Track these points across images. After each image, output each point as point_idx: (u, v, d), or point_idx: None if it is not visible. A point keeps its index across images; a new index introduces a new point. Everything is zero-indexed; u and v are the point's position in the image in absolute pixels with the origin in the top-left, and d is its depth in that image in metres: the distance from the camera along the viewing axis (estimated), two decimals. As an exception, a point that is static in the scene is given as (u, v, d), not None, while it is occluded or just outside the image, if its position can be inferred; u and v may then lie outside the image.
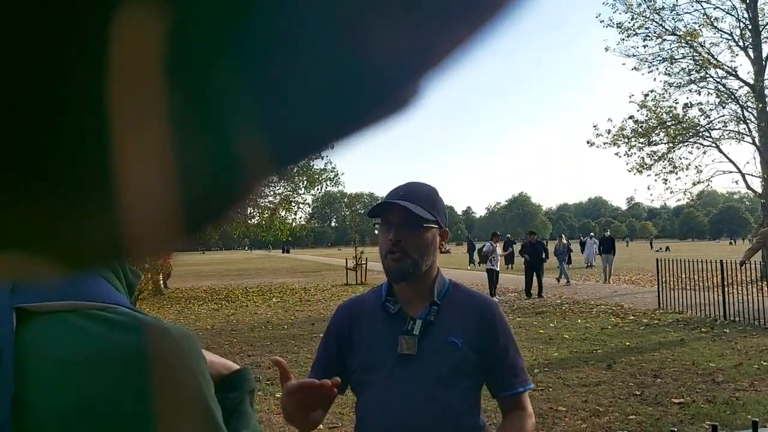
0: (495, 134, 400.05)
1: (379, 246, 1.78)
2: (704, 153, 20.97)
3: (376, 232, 1.81)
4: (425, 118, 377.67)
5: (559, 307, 14.15)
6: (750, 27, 19.07)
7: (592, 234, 33.23)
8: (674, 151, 20.84)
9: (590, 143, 21.79)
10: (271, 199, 23.70)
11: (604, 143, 21.52)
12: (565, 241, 22.93)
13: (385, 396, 1.72)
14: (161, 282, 21.50)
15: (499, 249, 16.66)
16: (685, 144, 20.70)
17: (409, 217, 1.69)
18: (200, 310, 16.38)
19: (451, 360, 1.71)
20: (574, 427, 5.53)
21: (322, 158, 19.06)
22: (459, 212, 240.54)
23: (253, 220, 24.67)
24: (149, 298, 19.80)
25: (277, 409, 6.31)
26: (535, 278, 16.67)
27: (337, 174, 23.47)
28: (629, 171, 21.46)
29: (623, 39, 20.07)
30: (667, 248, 53.72)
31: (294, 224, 24.25)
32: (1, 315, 0.64)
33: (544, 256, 17.26)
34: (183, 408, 0.66)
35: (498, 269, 16.39)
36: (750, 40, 19.16)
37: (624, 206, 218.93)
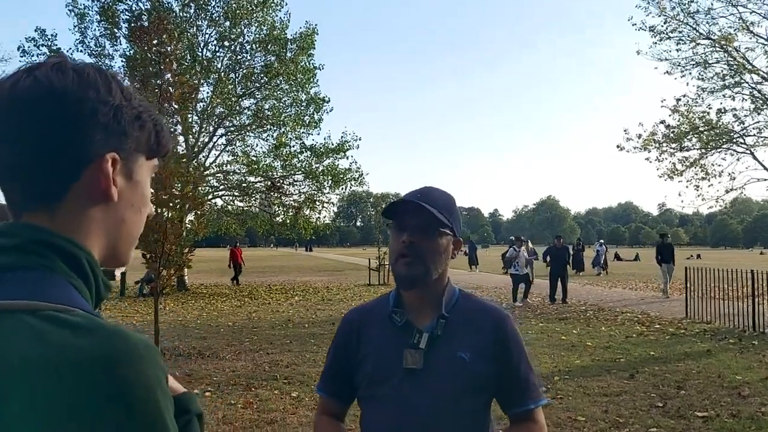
0: (525, 135, 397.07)
1: (390, 249, 1.72)
2: (738, 160, 20.47)
3: (389, 233, 1.75)
4: (451, 118, 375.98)
5: (583, 314, 13.95)
6: (788, 32, 18.56)
7: (602, 241, 32.87)
8: (707, 158, 20.36)
9: (620, 147, 21.40)
10: (295, 197, 23.80)
11: (635, 148, 21.13)
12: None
13: (391, 411, 1.66)
14: (185, 277, 21.75)
15: (525, 253, 16.43)
16: (718, 150, 20.23)
17: (426, 219, 1.63)
18: (223, 306, 16.51)
19: (458, 376, 1.64)
20: (592, 438, 5.42)
21: (347, 158, 19.15)
22: (486, 214, 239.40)
23: (278, 218, 24.82)
24: (173, 293, 20.08)
25: (292, 409, 6.30)
26: (559, 283, 16.44)
27: (362, 174, 23.47)
28: (660, 177, 21.05)
29: (655, 42, 19.70)
30: (698, 256, 52.64)
31: (318, 223, 24.29)
32: None
33: (569, 260, 17.02)
34: (136, 416, 0.63)
35: (522, 273, 16.07)
36: (787, 45, 18.66)
37: (655, 212, 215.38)
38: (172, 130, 10.21)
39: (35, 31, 20.45)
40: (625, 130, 21.28)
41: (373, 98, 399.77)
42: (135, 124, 0.79)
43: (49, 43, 20.49)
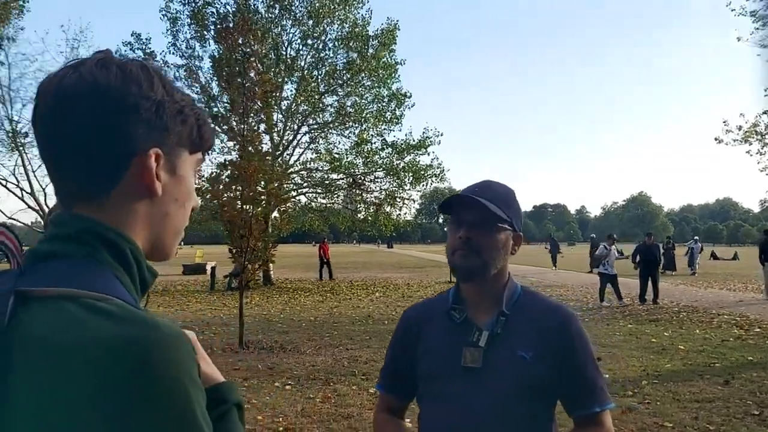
0: (615, 129, 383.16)
1: (447, 243, 1.68)
2: None
3: (446, 229, 1.71)
4: (537, 113, 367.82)
5: (676, 315, 13.29)
6: None
7: (696, 238, 30.84)
8: (814, 150, 18.94)
9: (719, 140, 20.24)
10: (376, 194, 23.96)
11: (734, 140, 19.94)
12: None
13: (449, 409, 1.61)
14: (271, 272, 22.37)
15: (615, 252, 15.72)
16: (828, 142, 18.77)
17: (483, 214, 1.58)
18: (305, 301, 16.86)
19: (518, 375, 1.57)
20: (681, 447, 5.14)
21: (428, 154, 19.09)
22: (572, 211, 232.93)
23: (359, 215, 25.10)
24: (259, 287, 20.70)
25: (369, 404, 6.33)
26: (650, 283, 15.70)
27: (443, 170, 23.32)
28: (762, 170, 19.76)
29: (757, 28, 18.47)
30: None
31: (399, 220, 24.36)
32: (2, 297, 0.68)
33: (659, 259, 16.18)
34: (163, 405, 0.64)
35: (612, 273, 15.40)
36: None
37: (756, 208, 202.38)
38: (255, 128, 10.49)
39: (131, 35, 21.60)
40: (724, 122, 20.12)
41: (456, 93, 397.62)
42: (177, 118, 0.80)
43: (144, 47, 21.58)
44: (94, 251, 0.74)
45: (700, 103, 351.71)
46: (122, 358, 0.63)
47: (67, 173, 0.76)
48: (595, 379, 1.65)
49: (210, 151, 0.90)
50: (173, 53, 22.07)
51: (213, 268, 22.53)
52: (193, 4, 21.43)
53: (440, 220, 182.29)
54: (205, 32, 21.14)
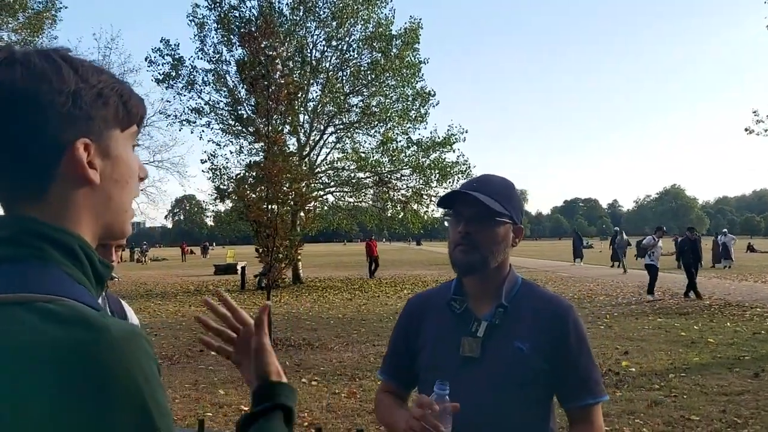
0: (645, 122, 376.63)
1: (448, 238, 1.72)
2: None
3: (446, 224, 1.75)
4: (566, 108, 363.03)
5: (707, 309, 13.08)
6: None
7: (725, 230, 29.96)
8: None
9: (749, 131, 19.84)
10: (403, 192, 23.99)
11: (766, 130, 19.51)
12: (625, 237, 26.86)
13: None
14: (300, 271, 22.58)
15: (661, 244, 15.34)
16: None
17: (481, 209, 1.61)
18: (334, 299, 17.00)
19: (515, 366, 1.62)
20: (706, 439, 5.10)
21: (454, 151, 19.01)
22: (604, 205, 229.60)
23: (387, 213, 25.17)
24: (287, 286, 20.91)
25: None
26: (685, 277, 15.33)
27: (469, 167, 23.24)
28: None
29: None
30: None
31: (426, 217, 24.36)
32: None
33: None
34: (115, 404, 0.65)
35: (657, 265, 15.06)
36: None
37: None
38: (279, 129, 10.62)
39: (160, 41, 21.97)
40: (754, 112, 19.69)
41: (482, 90, 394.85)
42: (98, 102, 0.77)
43: (173, 53, 21.97)
44: (39, 251, 0.73)
45: (735, 93, 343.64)
46: (72, 360, 0.64)
47: (1, 177, 0.75)
48: (590, 371, 1.68)
49: (143, 120, 0.87)
50: (201, 58, 22.39)
51: (243, 268, 22.83)
52: (219, 9, 21.71)
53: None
54: (232, 36, 21.40)
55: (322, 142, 24.29)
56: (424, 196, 23.66)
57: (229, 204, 14.86)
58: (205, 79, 22.29)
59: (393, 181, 23.76)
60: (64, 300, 0.69)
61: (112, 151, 0.80)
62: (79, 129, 0.75)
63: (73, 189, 0.77)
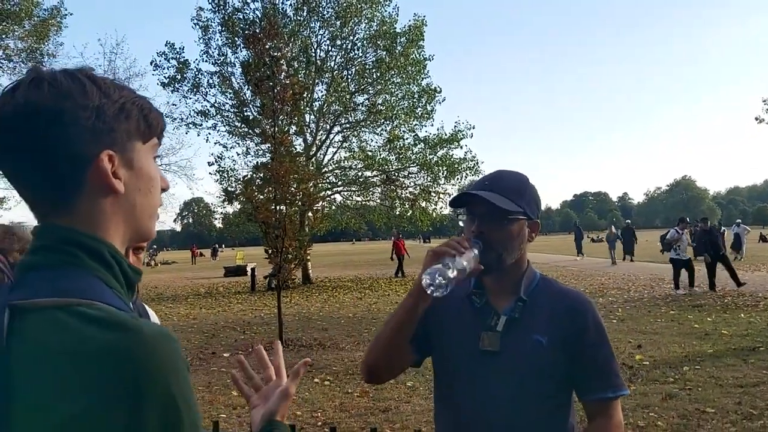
0: (653, 114, 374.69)
1: (463, 237, 1.69)
2: None
3: (461, 223, 1.74)
4: (573, 101, 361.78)
5: (720, 300, 12.99)
6: None
7: (739, 221, 29.61)
8: None
9: (759, 120, 19.71)
10: (411, 189, 23.98)
11: (776, 119, 19.36)
12: (614, 230, 28.47)
13: (466, 392, 1.66)
14: (310, 271, 22.61)
15: (687, 237, 15.03)
16: None
17: (493, 209, 1.60)
18: (344, 298, 17.01)
19: (534, 359, 1.61)
20: (722, 431, 5.05)
21: (461, 147, 18.98)
22: (614, 198, 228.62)
23: (395, 211, 25.16)
24: (297, 287, 20.95)
25: (406, 398, 6.39)
26: (703, 269, 15.10)
27: (477, 163, 23.19)
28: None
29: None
30: None
31: (435, 214, 24.33)
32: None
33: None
34: (148, 401, 0.69)
35: (685, 258, 14.75)
36: None
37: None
38: (285, 129, 10.63)
39: (165, 45, 22.05)
40: (764, 101, 19.53)
41: (486, 87, 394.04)
42: (120, 116, 0.83)
43: (178, 56, 22.02)
44: (75, 258, 0.79)
45: (743, 82, 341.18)
46: (109, 360, 0.69)
47: (30, 190, 0.81)
48: (610, 364, 1.67)
49: (163, 132, 0.93)
50: (206, 60, 22.44)
51: (253, 269, 22.89)
52: (223, 12, 21.76)
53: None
54: (236, 38, 21.44)
55: (328, 141, 24.32)
56: (432, 194, 23.64)
57: (237, 206, 14.86)
58: (211, 81, 22.37)
59: (400, 179, 23.75)
60: (98, 304, 0.74)
61: (135, 163, 0.86)
62: (104, 142, 0.81)
63: (100, 198, 0.82)
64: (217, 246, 63.08)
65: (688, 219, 15.87)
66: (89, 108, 0.79)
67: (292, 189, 10.18)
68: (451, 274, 1.39)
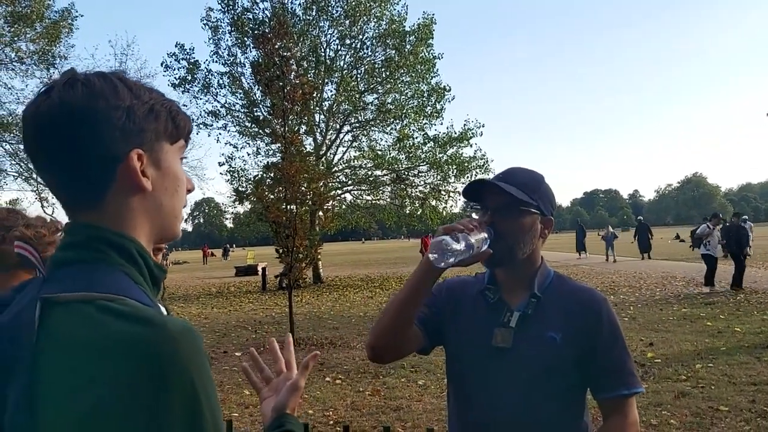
0: (663, 111, 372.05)
1: None
2: None
3: (474, 216, 1.73)
4: (583, 100, 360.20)
5: (732, 297, 12.90)
6: None
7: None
8: None
9: (771, 115, 19.49)
10: (421, 188, 23.96)
11: (787, 115, 19.15)
12: (611, 229, 28.91)
13: (479, 388, 1.66)
14: (320, 270, 22.64)
15: (717, 233, 14.69)
16: None
17: (506, 199, 1.60)
18: (355, 297, 17.03)
19: (547, 356, 1.60)
20: (735, 429, 5.03)
21: (471, 146, 18.92)
22: (625, 195, 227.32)
23: (406, 210, 25.15)
24: (309, 286, 21.00)
25: (417, 396, 6.40)
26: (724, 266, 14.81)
27: (487, 161, 23.13)
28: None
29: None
30: None
31: (445, 213, 24.29)
32: (31, 303, 0.78)
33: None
34: (170, 395, 0.71)
35: (717, 256, 14.47)
36: None
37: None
38: (295, 129, 10.66)
39: (175, 46, 22.18)
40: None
41: (498, 83, 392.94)
42: (149, 117, 0.86)
43: (188, 57, 22.11)
44: (103, 255, 0.82)
45: (754, 78, 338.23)
46: (135, 353, 0.71)
47: (62, 188, 0.84)
48: (624, 362, 1.65)
49: (190, 135, 0.96)
50: (216, 61, 22.52)
51: (264, 269, 22.96)
52: (233, 12, 21.82)
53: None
54: (246, 38, 21.50)
55: (338, 141, 24.35)
56: (442, 192, 23.59)
57: (247, 205, 14.97)
58: (221, 81, 22.44)
59: (410, 178, 23.73)
60: (126, 299, 0.77)
61: (163, 163, 0.89)
62: (133, 141, 0.84)
63: (128, 196, 0.85)
64: (228, 246, 63.37)
65: (720, 215, 15.36)
66: (120, 108, 0.82)
67: (303, 188, 10.21)
68: (457, 246, 1.39)
